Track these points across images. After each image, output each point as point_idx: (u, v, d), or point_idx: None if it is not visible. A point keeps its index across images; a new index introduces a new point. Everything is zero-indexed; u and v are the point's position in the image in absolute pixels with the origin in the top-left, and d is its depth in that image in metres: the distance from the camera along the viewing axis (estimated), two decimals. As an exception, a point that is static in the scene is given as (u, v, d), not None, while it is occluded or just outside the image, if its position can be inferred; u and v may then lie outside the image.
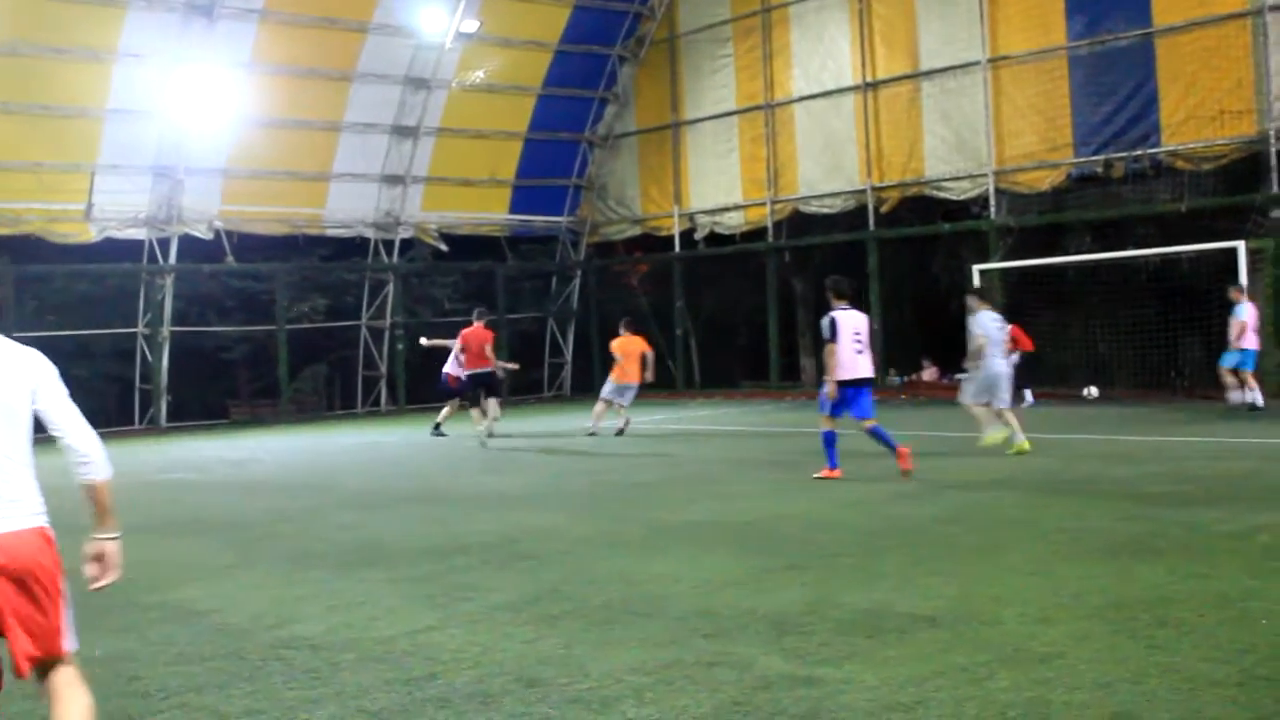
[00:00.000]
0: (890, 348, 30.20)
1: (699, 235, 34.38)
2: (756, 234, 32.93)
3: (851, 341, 14.75)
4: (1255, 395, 21.35)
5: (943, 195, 29.08)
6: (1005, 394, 16.97)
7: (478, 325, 23.16)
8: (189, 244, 29.97)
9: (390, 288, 33.58)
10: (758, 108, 32.52)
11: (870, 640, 7.16)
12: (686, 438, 22.36)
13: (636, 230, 36.16)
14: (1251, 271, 23.18)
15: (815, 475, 14.93)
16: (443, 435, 23.62)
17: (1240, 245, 23.06)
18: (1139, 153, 25.74)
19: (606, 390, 23.40)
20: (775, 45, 32.10)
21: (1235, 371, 21.54)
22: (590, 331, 35.97)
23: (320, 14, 29.62)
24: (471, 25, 31.07)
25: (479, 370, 22.94)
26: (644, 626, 7.75)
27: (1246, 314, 21.39)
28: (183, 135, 28.74)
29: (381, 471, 18.63)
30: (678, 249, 34.76)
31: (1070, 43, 26.73)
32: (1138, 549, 9.51)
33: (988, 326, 16.72)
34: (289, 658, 7.41)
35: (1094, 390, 23.07)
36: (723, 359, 34.08)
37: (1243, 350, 21.39)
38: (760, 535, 11.07)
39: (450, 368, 23.66)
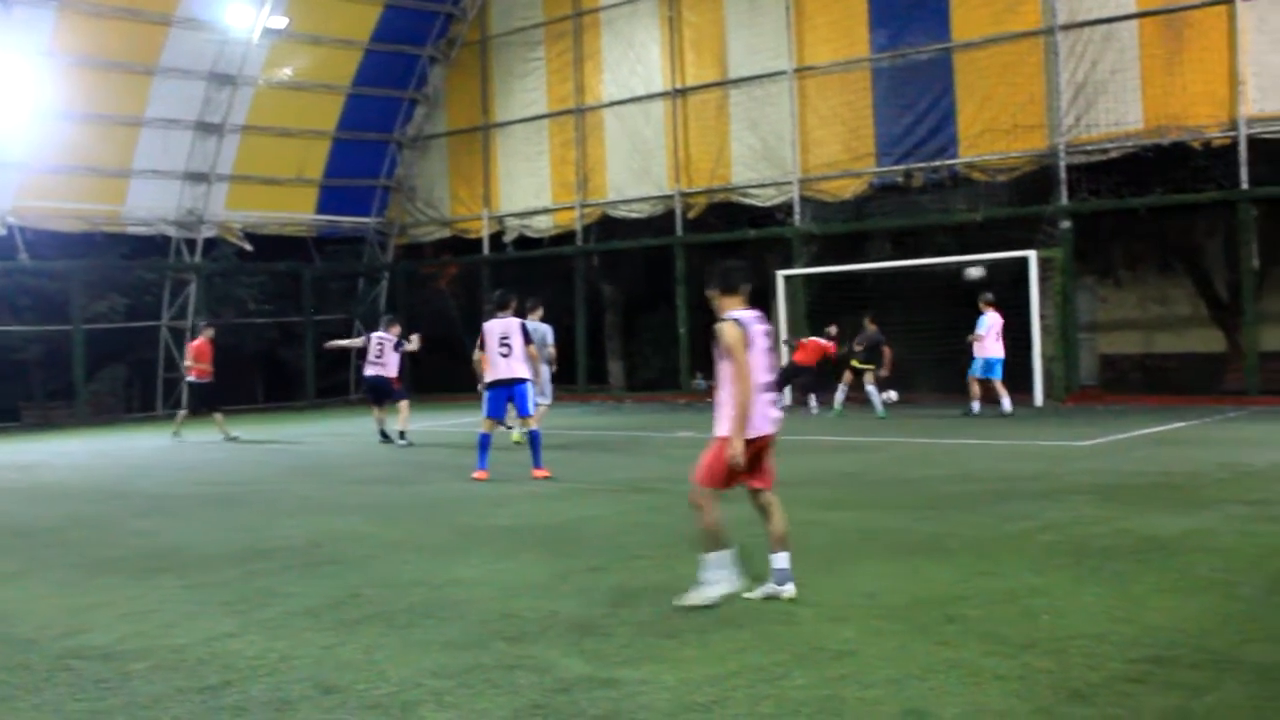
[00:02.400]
0: (696, 352, 30.51)
1: (508, 238, 34.34)
2: (566, 237, 33.02)
3: (498, 346, 15.72)
4: (1005, 403, 22.05)
5: (749, 202, 29.51)
6: None
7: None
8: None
9: (192, 288, 32.80)
10: (568, 112, 32.61)
11: (669, 641, 7.23)
12: (493, 442, 22.24)
13: (446, 232, 35.98)
14: (1042, 280, 23.99)
15: (471, 476, 15.65)
16: (408, 443, 21.49)
17: (1032, 254, 23.84)
18: (937, 163, 26.51)
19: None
20: (586, 50, 32.24)
21: (984, 381, 22.17)
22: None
23: (123, 5, 28.82)
24: (280, 21, 30.59)
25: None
26: (445, 630, 7.71)
27: (986, 325, 22.02)
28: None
29: (181, 476, 18.16)
30: (486, 251, 34.65)
31: (873, 55, 27.38)
32: (929, 548, 9.79)
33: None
34: (78, 668, 7.18)
35: (893, 394, 23.64)
36: (551, 362, 34.00)
37: (986, 359, 22.04)
38: (564, 538, 11.09)
39: (376, 370, 22.40)
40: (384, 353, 21.96)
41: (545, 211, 33.38)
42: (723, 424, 8.18)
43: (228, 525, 12.74)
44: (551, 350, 21.56)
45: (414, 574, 9.62)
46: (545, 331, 21.09)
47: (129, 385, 35.16)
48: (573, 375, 32.14)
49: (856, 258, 27.51)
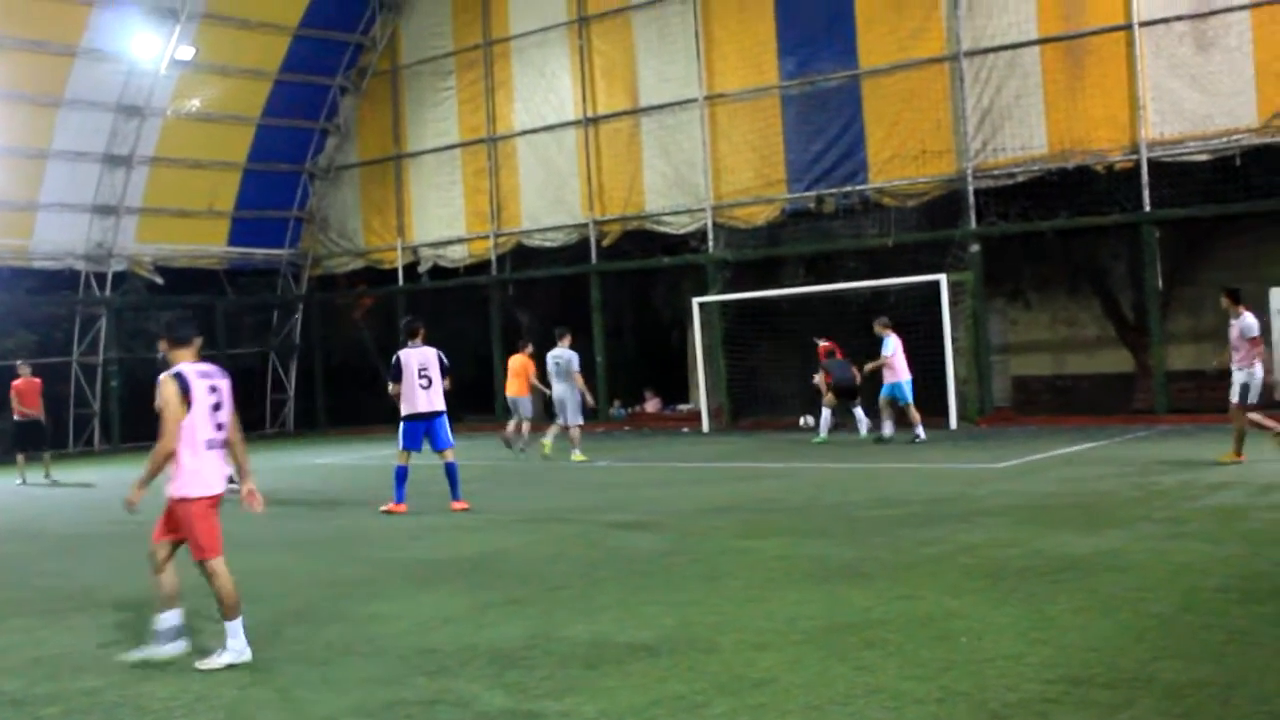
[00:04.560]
0: (613, 380, 30.57)
1: (422, 268, 34.19)
2: (480, 267, 32.92)
3: (418, 378, 15.72)
4: (888, 427, 21.96)
5: (663, 229, 29.60)
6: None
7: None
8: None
9: (103, 322, 32.33)
10: (480, 141, 32.56)
11: (590, 671, 7.22)
12: (412, 472, 22.09)
13: (360, 263, 35.75)
14: (953, 303, 24.26)
15: (381, 509, 15.60)
16: None
17: (942, 278, 24.11)
18: (848, 189, 26.74)
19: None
20: (497, 79, 32.22)
21: (892, 402, 22.09)
22: (314, 365, 35.41)
23: (27, 36, 28.41)
24: (187, 52, 30.31)
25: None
26: (364, 666, 7.65)
27: (892, 347, 21.98)
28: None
29: (92, 515, 17.86)
30: (401, 282, 34.48)
31: (782, 82, 27.58)
32: (848, 574, 9.84)
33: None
34: (-12, 713, 7.06)
35: (810, 419, 23.77)
36: (448, 392, 33.80)
37: (898, 383, 21.91)
38: (482, 570, 11.04)
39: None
40: None
41: (459, 241, 33.27)
42: (174, 483, 8.02)
43: (141, 565, 12.50)
44: (579, 377, 22.05)
45: (332, 610, 9.53)
46: (571, 358, 21.93)
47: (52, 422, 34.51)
48: (491, 405, 32.02)
49: (771, 283, 27.65)
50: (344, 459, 23.10)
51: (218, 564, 7.97)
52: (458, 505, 15.56)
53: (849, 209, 27.06)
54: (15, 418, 23.54)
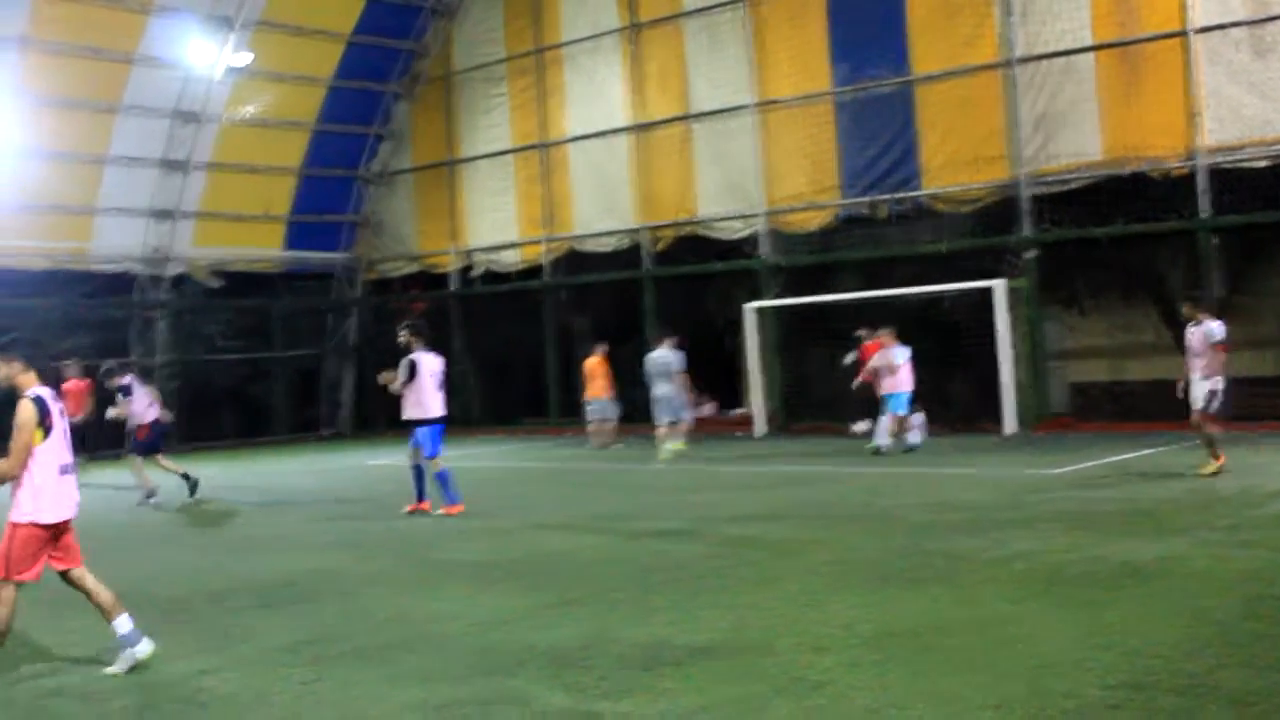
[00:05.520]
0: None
1: (476, 273, 34.29)
2: (533, 272, 32.99)
3: (435, 382, 16.08)
4: (883, 437, 21.52)
5: (715, 235, 29.55)
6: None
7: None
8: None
9: (160, 325, 32.65)
10: (532, 147, 32.61)
11: (648, 673, 7.23)
12: (468, 474, 22.20)
13: (414, 267, 35.88)
14: (1009, 309, 24.10)
15: (440, 511, 15.66)
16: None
17: (999, 284, 23.97)
18: (901, 195, 26.62)
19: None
20: (549, 85, 32.28)
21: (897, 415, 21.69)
22: (368, 369, 35.58)
23: (85, 43, 28.69)
24: (242, 59, 30.54)
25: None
26: (423, 665, 7.70)
27: (904, 357, 21.66)
28: (-64, 165, 27.53)
29: (149, 514, 18.05)
30: (455, 286, 34.62)
31: (834, 89, 27.50)
32: (903, 578, 9.80)
33: None
34: (57, 707, 7.16)
35: (863, 425, 23.62)
36: (503, 396, 33.96)
37: (904, 393, 21.50)
38: (536, 571, 11.07)
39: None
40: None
41: (512, 246, 33.35)
42: (18, 507, 7.80)
43: (201, 562, 12.68)
44: (683, 377, 22.81)
45: (389, 609, 9.59)
46: (672, 359, 22.63)
47: (98, 424, 34.85)
48: (545, 408, 32.12)
49: (823, 289, 27.57)
50: (398, 461, 23.06)
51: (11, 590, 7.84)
52: (422, 507, 15.88)
53: (903, 215, 26.95)
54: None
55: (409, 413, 15.98)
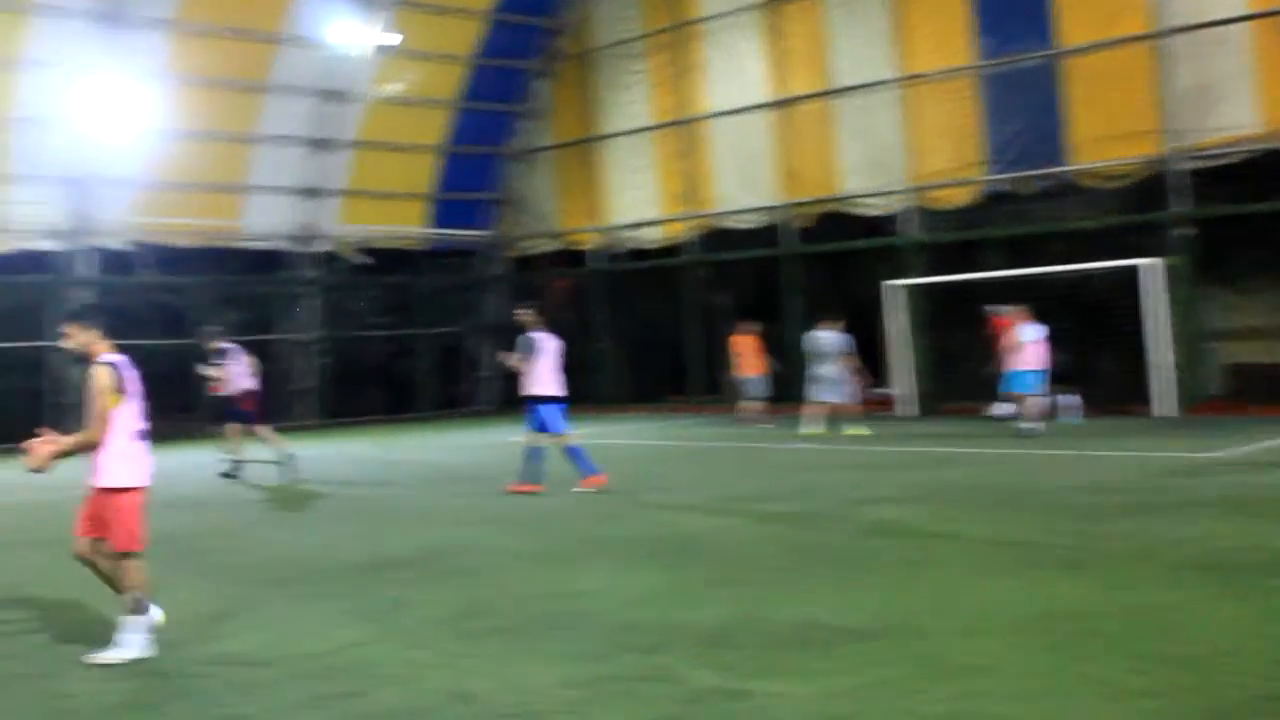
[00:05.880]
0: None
1: (618, 250, 34.42)
2: (674, 249, 33.01)
3: (550, 359, 16.21)
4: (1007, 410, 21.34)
5: (858, 212, 29.29)
6: None
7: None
8: (97, 255, 29.59)
9: (308, 301, 33.30)
10: (673, 124, 32.59)
11: (799, 653, 7.21)
12: (608, 452, 22.34)
13: (556, 244, 36.13)
14: (1161, 288, 23.55)
15: (576, 489, 15.64)
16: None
17: (1150, 262, 23.43)
18: (1049, 171, 26.13)
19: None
20: (688, 62, 32.19)
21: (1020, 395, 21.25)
22: (510, 346, 35.84)
23: (232, 24, 29.33)
24: (388, 38, 30.93)
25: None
26: (573, 641, 7.76)
27: (1035, 335, 21.07)
28: (95, 146, 28.29)
29: (307, 486, 18.42)
30: (597, 263, 34.78)
31: (978, 62, 27.05)
32: (1059, 562, 9.63)
33: None
34: (218, 674, 7.34)
35: (1006, 407, 23.20)
36: (644, 373, 34.08)
37: (1024, 371, 21.12)
38: (681, 550, 11.08)
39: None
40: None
41: (653, 223, 33.38)
42: (110, 474, 7.90)
43: (355, 535, 12.92)
44: (850, 359, 23.30)
45: (539, 585, 9.68)
46: (840, 340, 23.17)
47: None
48: (684, 387, 32.17)
49: (967, 267, 27.17)
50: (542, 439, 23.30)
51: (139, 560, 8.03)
52: (596, 480, 15.79)
53: (1050, 191, 26.44)
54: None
55: (529, 390, 16.10)
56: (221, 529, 13.92)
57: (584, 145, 34.78)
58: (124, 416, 7.88)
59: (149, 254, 30.50)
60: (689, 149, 32.24)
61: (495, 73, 34.36)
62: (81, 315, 8.07)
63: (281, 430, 20.77)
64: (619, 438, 24.42)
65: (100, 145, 28.32)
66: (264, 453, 19.89)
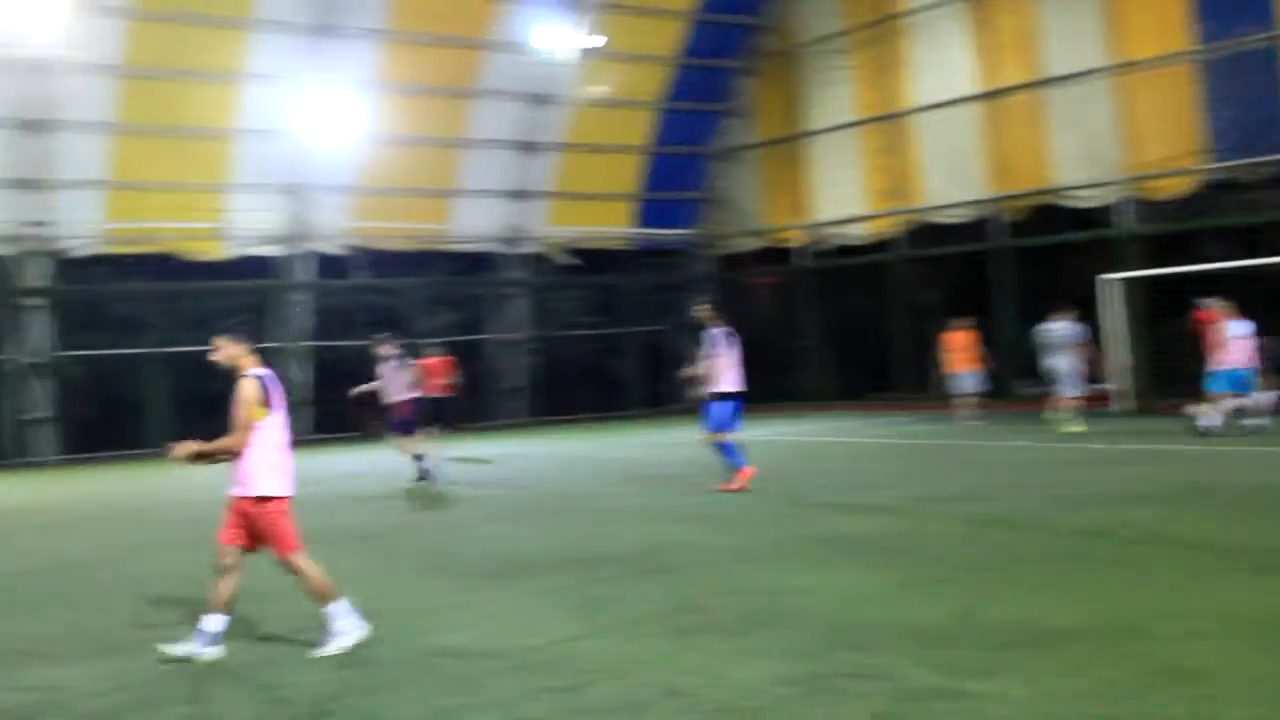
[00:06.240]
0: (1022, 358, 29.71)
1: (823, 247, 34.24)
2: (880, 245, 32.72)
3: (729, 356, 15.96)
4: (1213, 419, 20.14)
5: (1070, 204, 28.63)
6: None
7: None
8: (314, 259, 30.74)
9: (516, 302, 33.94)
10: (878, 118, 32.30)
11: (1017, 653, 7.11)
12: (811, 449, 22.29)
13: (760, 242, 36.11)
14: None
15: (721, 488, 15.68)
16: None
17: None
18: (1273, 157, 25.17)
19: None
20: (894, 55, 31.83)
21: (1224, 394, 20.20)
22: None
23: (440, 32, 30.08)
24: (594, 40, 31.30)
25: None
26: (786, 638, 7.78)
27: (1244, 331, 20.10)
28: (312, 154, 29.43)
29: (527, 483, 18.80)
30: (801, 261, 34.67)
31: (1197, 47, 26.20)
32: (1285, 565, 9.32)
33: None
34: (439, 665, 7.55)
35: (1214, 416, 22.24)
36: (850, 370, 33.86)
37: (1233, 369, 20.05)
38: (893, 548, 11.01)
39: None
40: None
41: (860, 219, 33.13)
42: (254, 483, 8.08)
43: (569, 531, 13.14)
44: (1085, 349, 23.09)
45: (748, 582, 9.72)
46: (1068, 330, 22.87)
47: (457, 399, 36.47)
48: (893, 383, 31.89)
49: (1187, 259, 26.37)
50: (750, 436, 23.26)
51: (302, 559, 8.21)
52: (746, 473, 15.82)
53: (1277, 178, 25.46)
54: (424, 395, 24.28)
55: (710, 387, 16.07)
56: (437, 525, 14.29)
57: (788, 142, 34.70)
58: (270, 428, 8.16)
59: (362, 257, 31.58)
60: (895, 144, 31.92)
61: (698, 72, 34.51)
62: (231, 329, 8.36)
63: (491, 430, 21.14)
64: (826, 435, 24.34)
65: (317, 153, 29.38)
66: (451, 453, 20.19)
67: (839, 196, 33.53)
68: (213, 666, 7.79)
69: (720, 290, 36.80)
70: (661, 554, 11.27)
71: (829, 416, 29.15)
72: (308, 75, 28.53)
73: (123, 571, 11.90)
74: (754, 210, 35.91)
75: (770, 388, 32.98)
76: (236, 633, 8.27)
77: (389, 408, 19.64)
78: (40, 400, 27.53)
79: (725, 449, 16.05)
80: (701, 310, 16.62)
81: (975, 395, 25.44)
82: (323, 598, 8.11)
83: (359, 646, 8.02)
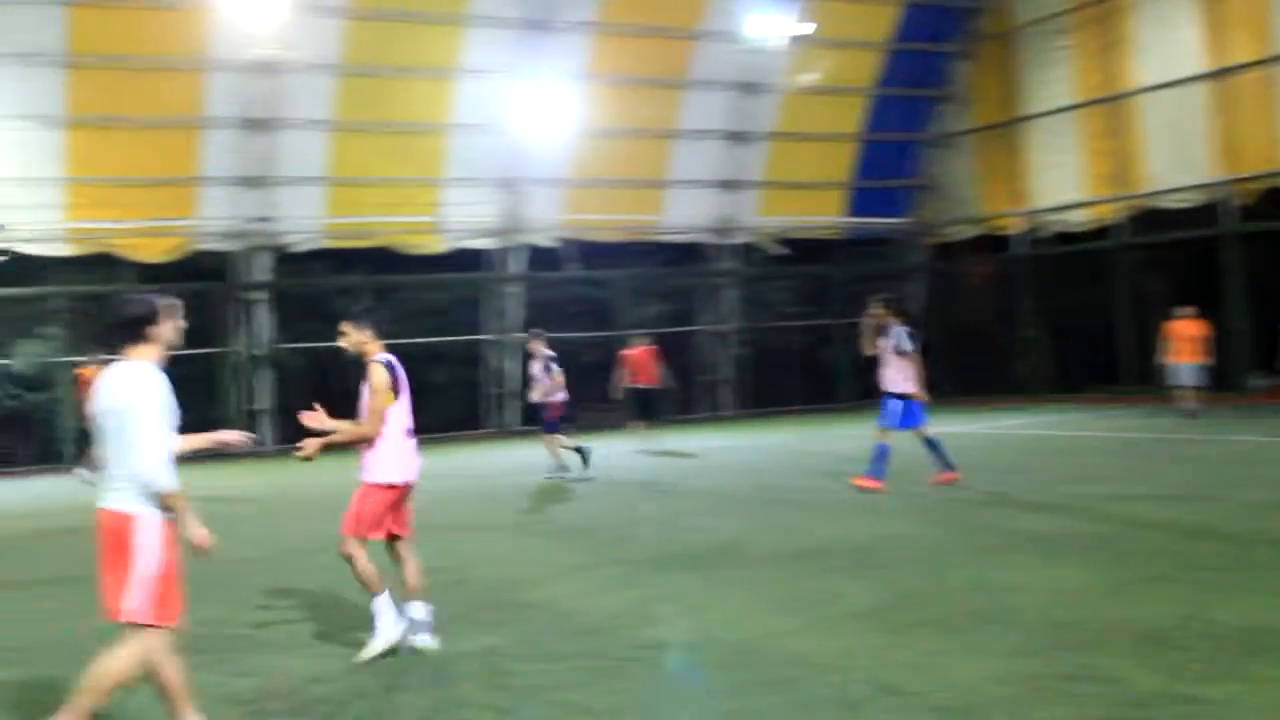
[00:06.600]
0: (1258, 349, 28.67)
1: (1042, 235, 33.47)
2: (1103, 232, 31.85)
3: (907, 355, 15.58)
4: None
5: (1308, 188, 27.46)
6: None
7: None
8: (526, 252, 31.34)
9: (727, 293, 34.01)
10: (1099, 100, 31.40)
11: (1248, 659, 6.86)
12: (1031, 444, 21.85)
13: (977, 230, 35.46)
14: None
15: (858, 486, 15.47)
16: None
17: None
18: None
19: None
20: (1116, 35, 30.89)
21: None
22: (931, 337, 35.49)
23: (651, 23, 30.27)
24: (804, 28, 31.10)
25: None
26: (1001, 636, 7.65)
27: None
28: (524, 147, 29.91)
29: (732, 475, 18.85)
30: (1020, 249, 33.96)
31: None
32: None
33: None
34: (649, 658, 7.63)
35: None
36: (1071, 362, 33.08)
37: None
38: (1111, 545, 10.72)
39: None
40: None
41: (1080, 205, 32.29)
42: (369, 469, 8.07)
43: (776, 524, 13.12)
44: None
45: (963, 577, 9.58)
46: None
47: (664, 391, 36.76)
48: (1116, 375, 31.02)
49: None
50: (965, 429, 23.02)
51: (359, 547, 8.09)
52: (868, 483, 15.45)
53: None
54: (631, 385, 24.47)
55: (886, 385, 15.81)
56: (647, 517, 14.39)
57: (1005, 127, 34.00)
58: (396, 414, 8.21)
59: (574, 250, 31.98)
60: (1117, 126, 31.00)
61: (912, 57, 34.04)
62: (356, 316, 8.40)
63: (699, 422, 21.17)
64: (1039, 428, 23.83)
65: (529, 147, 29.86)
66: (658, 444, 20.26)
67: (1058, 182, 32.71)
68: (430, 655, 8.00)
69: (934, 280, 36.39)
70: (871, 548, 11.18)
71: (1046, 410, 28.45)
72: (520, 69, 29.01)
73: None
74: (970, 197, 35.28)
75: (986, 380, 32.53)
76: (462, 627, 8.46)
77: (539, 406, 19.56)
78: (262, 391, 28.68)
79: (935, 447, 15.76)
80: (878, 307, 16.11)
81: (1195, 388, 24.41)
82: (370, 587, 8.11)
83: (570, 639, 8.13)
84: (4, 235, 26.05)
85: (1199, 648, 7.12)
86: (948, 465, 15.59)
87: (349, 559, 8.03)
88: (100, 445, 6.03)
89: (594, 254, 32.20)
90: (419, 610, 8.12)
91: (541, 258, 31.76)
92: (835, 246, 35.85)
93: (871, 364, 16.16)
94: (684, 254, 34.44)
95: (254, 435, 11.15)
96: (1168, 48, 29.75)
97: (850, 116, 34.19)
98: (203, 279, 28.93)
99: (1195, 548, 10.46)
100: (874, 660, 7.27)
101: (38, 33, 24.86)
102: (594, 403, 29.96)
